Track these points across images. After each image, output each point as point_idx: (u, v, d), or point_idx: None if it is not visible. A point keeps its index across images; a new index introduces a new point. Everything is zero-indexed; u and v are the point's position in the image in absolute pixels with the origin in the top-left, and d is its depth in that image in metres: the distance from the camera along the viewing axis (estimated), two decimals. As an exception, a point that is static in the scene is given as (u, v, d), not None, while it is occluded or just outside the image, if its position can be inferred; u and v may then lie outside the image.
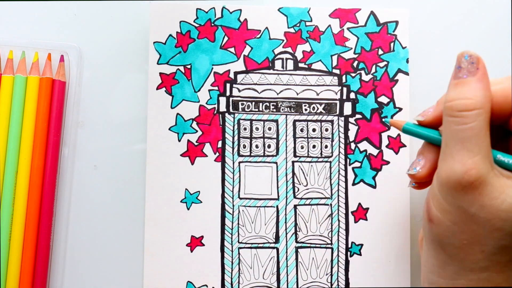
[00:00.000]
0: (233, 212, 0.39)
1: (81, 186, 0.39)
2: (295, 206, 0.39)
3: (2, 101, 0.38)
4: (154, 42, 0.39)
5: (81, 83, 0.40)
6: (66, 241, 0.39)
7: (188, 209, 0.39)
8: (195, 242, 0.39)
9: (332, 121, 0.40)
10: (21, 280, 0.37)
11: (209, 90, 0.39)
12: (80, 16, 0.40)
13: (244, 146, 0.39)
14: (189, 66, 0.39)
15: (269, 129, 0.40)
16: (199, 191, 0.39)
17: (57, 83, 0.39)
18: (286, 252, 0.39)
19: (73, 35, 0.40)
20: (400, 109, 0.40)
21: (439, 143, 0.30)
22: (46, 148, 0.38)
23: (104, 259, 0.39)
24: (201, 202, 0.39)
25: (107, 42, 0.40)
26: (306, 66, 0.40)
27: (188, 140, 0.39)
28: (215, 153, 0.39)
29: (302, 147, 0.40)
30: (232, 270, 0.39)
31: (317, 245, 0.39)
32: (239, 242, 0.39)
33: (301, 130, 0.40)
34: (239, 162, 0.39)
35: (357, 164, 0.39)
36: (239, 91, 0.40)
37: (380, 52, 0.40)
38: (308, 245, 0.39)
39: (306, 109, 0.40)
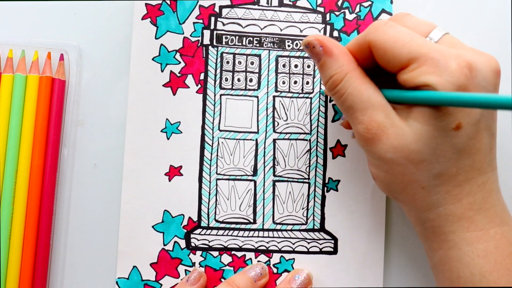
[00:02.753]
0: (212, 143, 0.39)
1: (81, 185, 0.39)
2: (274, 140, 0.40)
3: (2, 100, 0.38)
4: (141, -27, 0.40)
5: (81, 82, 0.40)
6: (66, 240, 0.39)
7: (168, 138, 0.39)
8: (174, 172, 0.39)
9: (314, 58, 0.40)
10: (21, 280, 0.38)
11: (194, 23, 0.40)
12: (80, 15, 0.40)
13: (226, 79, 0.40)
14: (174, -2, 0.40)
15: (252, 63, 0.40)
16: (179, 122, 0.39)
17: (57, 82, 0.39)
18: (264, 185, 0.39)
19: (73, 34, 0.40)
20: (382, 49, 0.40)
21: None
22: (46, 147, 0.38)
23: (104, 258, 0.39)
24: (181, 132, 0.39)
25: (107, 41, 0.40)
26: (291, 3, 0.40)
27: (171, 71, 0.39)
28: (197, 85, 0.40)
29: (283, 83, 0.40)
30: (209, 201, 0.39)
31: (294, 180, 0.39)
32: (217, 174, 0.39)
33: (283, 65, 0.40)
34: (221, 95, 0.40)
35: (337, 102, 0.40)
36: (224, 25, 0.40)
37: (365, -8, 0.40)
38: (286, 179, 0.39)
39: (289, 45, 0.40)
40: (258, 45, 0.40)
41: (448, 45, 0.30)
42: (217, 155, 0.39)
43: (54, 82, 0.39)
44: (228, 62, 0.40)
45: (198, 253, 0.39)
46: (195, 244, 0.39)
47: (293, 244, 0.39)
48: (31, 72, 0.39)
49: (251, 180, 0.39)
